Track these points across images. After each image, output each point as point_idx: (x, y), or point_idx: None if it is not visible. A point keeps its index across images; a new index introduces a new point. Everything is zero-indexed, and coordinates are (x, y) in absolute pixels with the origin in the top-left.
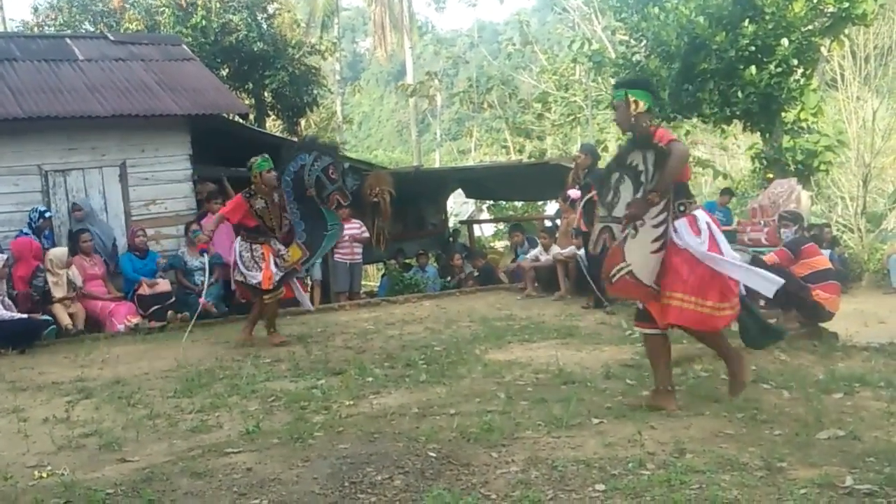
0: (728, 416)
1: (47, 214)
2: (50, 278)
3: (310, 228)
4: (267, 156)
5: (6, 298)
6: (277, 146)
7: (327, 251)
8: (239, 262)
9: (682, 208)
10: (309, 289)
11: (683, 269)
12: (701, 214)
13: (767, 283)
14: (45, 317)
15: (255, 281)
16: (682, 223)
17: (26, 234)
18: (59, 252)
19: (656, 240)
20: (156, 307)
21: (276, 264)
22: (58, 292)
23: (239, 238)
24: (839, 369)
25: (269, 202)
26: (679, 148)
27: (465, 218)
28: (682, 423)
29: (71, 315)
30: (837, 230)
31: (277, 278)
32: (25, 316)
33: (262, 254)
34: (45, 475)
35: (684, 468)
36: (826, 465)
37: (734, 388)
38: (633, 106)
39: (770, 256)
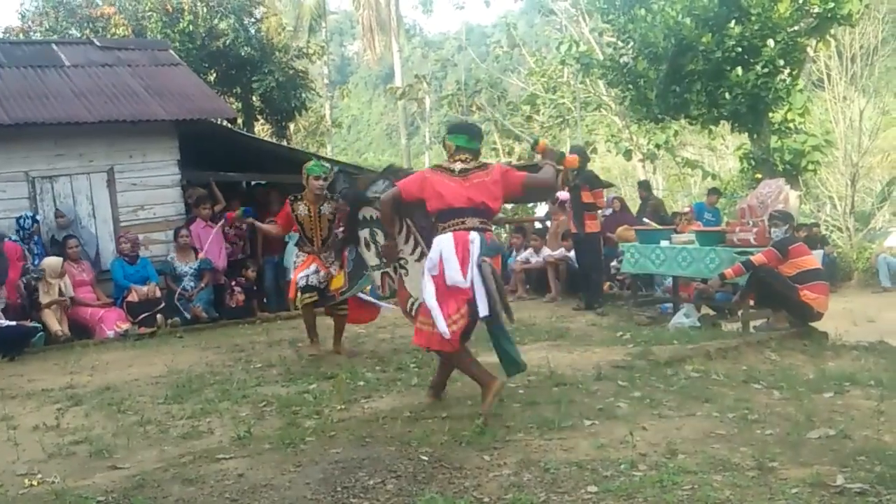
0: (719, 417)
1: (38, 218)
2: (41, 287)
3: (356, 259)
4: (324, 163)
5: None
6: (266, 151)
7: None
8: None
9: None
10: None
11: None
12: (438, 241)
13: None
14: (35, 324)
15: None
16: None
17: (15, 241)
18: (54, 262)
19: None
20: (145, 314)
21: (315, 276)
22: (46, 299)
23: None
24: (829, 368)
25: (313, 211)
26: (385, 194)
27: None
28: (674, 423)
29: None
30: (826, 230)
31: (308, 296)
32: (14, 323)
33: (304, 263)
34: (35, 483)
35: (676, 469)
36: (817, 465)
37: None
38: (450, 149)
39: (758, 256)
